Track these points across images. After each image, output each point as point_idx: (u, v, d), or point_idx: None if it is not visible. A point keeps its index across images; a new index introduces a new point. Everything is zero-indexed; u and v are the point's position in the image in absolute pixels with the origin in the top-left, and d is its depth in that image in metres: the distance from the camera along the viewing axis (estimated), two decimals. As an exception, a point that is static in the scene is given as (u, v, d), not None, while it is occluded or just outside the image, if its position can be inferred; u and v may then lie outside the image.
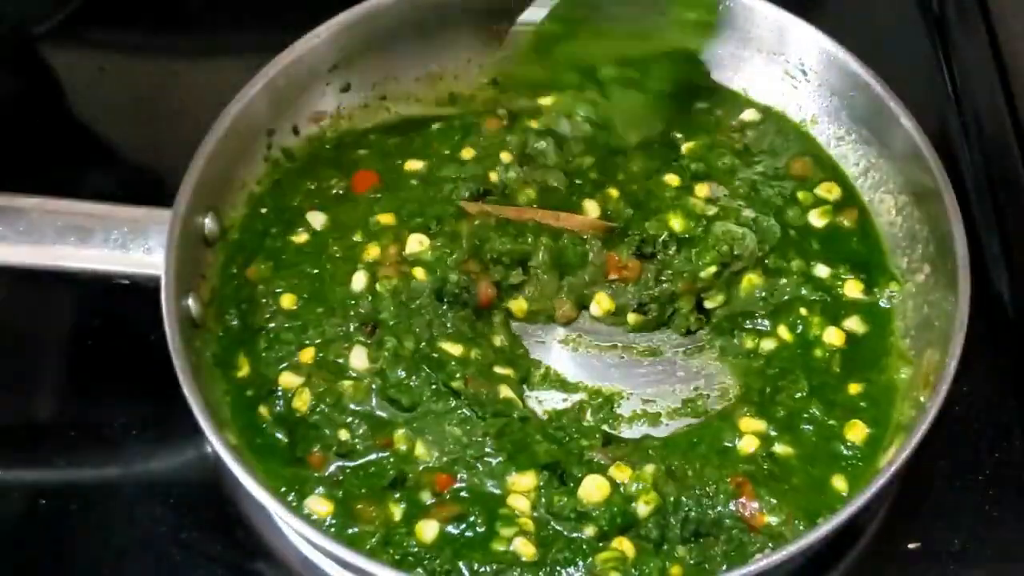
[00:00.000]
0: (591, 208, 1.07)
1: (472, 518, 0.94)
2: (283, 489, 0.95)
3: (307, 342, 1.01)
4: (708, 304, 1.06)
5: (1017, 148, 1.17)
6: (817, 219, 1.10)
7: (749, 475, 0.95)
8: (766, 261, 1.07)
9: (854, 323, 1.04)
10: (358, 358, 0.99)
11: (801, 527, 0.92)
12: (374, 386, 0.98)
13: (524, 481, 0.95)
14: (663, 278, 1.05)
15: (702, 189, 1.10)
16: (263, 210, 1.09)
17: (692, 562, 0.92)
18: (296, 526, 0.91)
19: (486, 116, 1.15)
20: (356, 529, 0.93)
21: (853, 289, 1.06)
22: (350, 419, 0.98)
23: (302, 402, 0.98)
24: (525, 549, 0.92)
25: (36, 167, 1.19)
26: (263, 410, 0.99)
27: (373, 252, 1.05)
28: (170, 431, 1.04)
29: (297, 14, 1.14)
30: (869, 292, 1.06)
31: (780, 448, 0.97)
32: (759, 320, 1.05)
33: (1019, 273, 1.13)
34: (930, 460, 1.02)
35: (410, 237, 1.05)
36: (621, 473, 0.95)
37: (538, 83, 1.15)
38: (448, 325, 1.02)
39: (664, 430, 1.01)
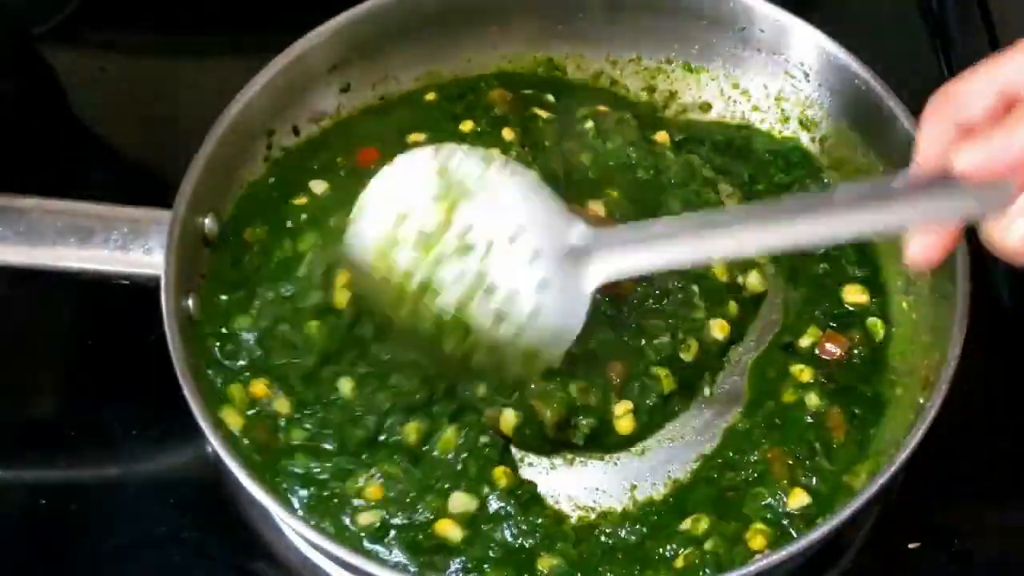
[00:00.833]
0: (596, 208, 1.07)
1: None
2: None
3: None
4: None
5: (1017, 148, 1.17)
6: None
7: None
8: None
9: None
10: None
11: None
12: None
13: None
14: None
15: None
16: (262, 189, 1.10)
17: None
18: (296, 526, 0.91)
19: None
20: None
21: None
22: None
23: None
24: None
25: (36, 167, 1.19)
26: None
27: None
28: (170, 431, 1.04)
29: (297, 14, 1.14)
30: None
31: None
32: None
33: (1019, 273, 1.12)
34: (930, 460, 1.01)
35: None
36: None
37: None
38: None
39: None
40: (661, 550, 0.93)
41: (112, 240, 1.00)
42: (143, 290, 0.99)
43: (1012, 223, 0.77)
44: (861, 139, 1.13)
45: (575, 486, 0.99)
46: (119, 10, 1.33)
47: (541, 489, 0.98)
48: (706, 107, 1.19)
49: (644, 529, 0.95)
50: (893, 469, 0.90)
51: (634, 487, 0.99)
